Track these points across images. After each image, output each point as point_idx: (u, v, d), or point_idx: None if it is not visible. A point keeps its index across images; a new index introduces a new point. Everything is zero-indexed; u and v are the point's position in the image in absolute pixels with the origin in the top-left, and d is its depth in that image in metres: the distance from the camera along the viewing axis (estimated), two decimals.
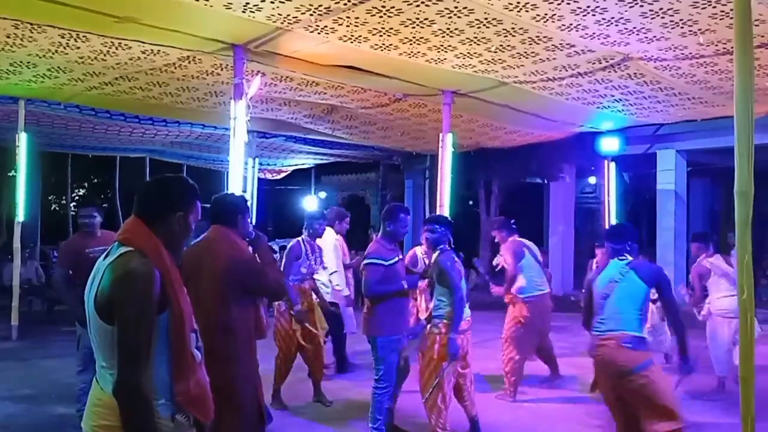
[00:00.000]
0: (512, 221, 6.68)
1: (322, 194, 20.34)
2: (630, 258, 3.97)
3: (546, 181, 14.95)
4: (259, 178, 12.68)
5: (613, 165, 10.76)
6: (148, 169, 16.71)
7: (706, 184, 15.35)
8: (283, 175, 16.80)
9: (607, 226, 9.73)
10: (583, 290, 4.53)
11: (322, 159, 14.90)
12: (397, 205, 5.12)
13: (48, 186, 18.09)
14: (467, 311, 4.63)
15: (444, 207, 7.30)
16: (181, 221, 2.18)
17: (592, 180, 15.65)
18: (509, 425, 5.33)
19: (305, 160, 15.20)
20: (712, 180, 15.17)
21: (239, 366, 3.35)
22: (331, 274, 6.53)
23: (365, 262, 4.73)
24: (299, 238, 5.92)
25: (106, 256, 2.11)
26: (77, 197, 22.47)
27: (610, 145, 10.28)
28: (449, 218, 5.25)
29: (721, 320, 6.03)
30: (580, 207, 15.37)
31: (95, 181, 22.78)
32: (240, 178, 5.78)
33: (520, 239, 6.50)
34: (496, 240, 6.62)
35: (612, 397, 3.89)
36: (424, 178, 14.90)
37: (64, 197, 18.82)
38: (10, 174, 8.77)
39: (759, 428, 2.72)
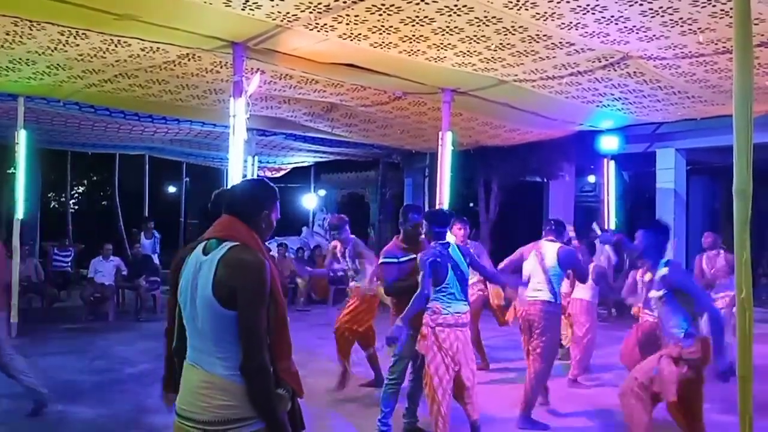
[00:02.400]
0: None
1: (322, 192, 20.32)
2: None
3: (545, 180, 14.92)
4: (258, 176, 12.68)
5: (612, 164, 10.77)
6: (147, 167, 16.69)
7: (706, 183, 15.32)
8: (282, 173, 16.78)
9: (606, 226, 9.74)
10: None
11: (321, 157, 14.89)
12: (409, 205, 5.31)
13: (47, 183, 18.03)
14: (460, 306, 4.60)
15: (443, 205, 7.30)
16: (266, 219, 2.42)
17: (591, 179, 15.61)
18: (508, 421, 5.33)
19: (305, 158, 15.19)
20: (711, 179, 15.14)
21: None
22: None
23: (379, 262, 4.99)
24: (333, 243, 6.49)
25: (206, 252, 2.28)
26: (77, 194, 22.46)
27: (609, 143, 10.29)
28: (448, 211, 5.30)
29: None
30: (579, 205, 15.33)
31: (95, 178, 22.72)
32: (239, 175, 5.78)
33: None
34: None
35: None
36: (424, 177, 14.89)
37: (63, 195, 18.77)
38: (10, 171, 8.74)
39: (757, 427, 2.73)
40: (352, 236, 6.31)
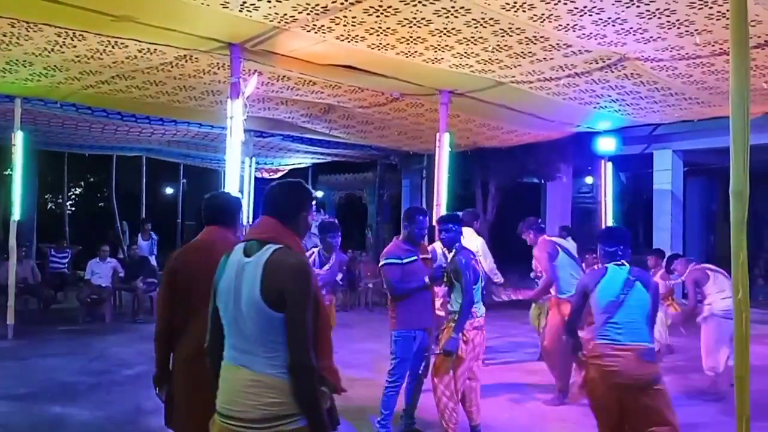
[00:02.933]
0: (539, 220, 6.58)
1: (319, 193, 20.33)
2: (627, 264, 3.87)
3: (543, 181, 14.95)
4: (256, 178, 12.68)
5: (609, 165, 10.77)
6: (144, 168, 16.67)
7: (703, 184, 15.36)
8: (280, 174, 16.77)
9: (603, 227, 9.74)
10: (574, 293, 4.44)
11: (319, 158, 14.89)
12: (416, 207, 5.28)
13: (44, 185, 18.02)
14: (482, 308, 4.70)
15: (441, 207, 7.30)
16: (304, 220, 2.46)
17: (589, 180, 15.66)
18: (505, 425, 5.34)
19: (302, 160, 15.19)
20: (708, 180, 15.19)
21: None
22: None
23: (381, 263, 4.89)
24: (315, 249, 5.99)
25: (248, 254, 2.30)
26: (74, 196, 22.42)
27: (606, 145, 10.29)
28: (458, 215, 5.33)
29: (723, 321, 5.91)
30: (576, 207, 15.37)
31: (92, 180, 22.70)
32: (237, 177, 5.78)
33: (550, 237, 6.46)
34: (527, 243, 6.42)
35: (613, 408, 3.71)
36: (422, 178, 14.91)
37: (60, 196, 18.76)
38: (6, 173, 8.73)
39: (754, 428, 2.73)
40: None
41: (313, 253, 5.93)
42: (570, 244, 7.26)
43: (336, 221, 5.98)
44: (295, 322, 2.20)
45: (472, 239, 6.61)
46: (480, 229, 7.91)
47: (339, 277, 5.96)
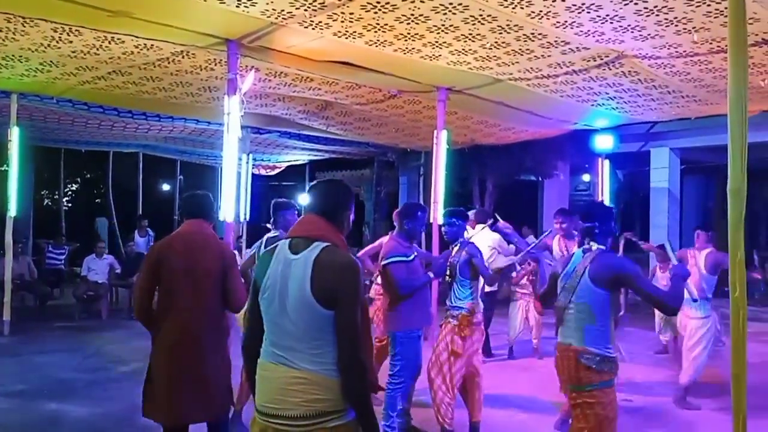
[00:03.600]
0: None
1: None
2: (595, 246, 3.41)
3: (540, 179, 14.96)
4: (253, 174, 12.65)
5: (607, 162, 10.80)
6: (141, 165, 16.63)
7: (700, 182, 15.40)
8: (277, 171, 16.76)
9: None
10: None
11: (316, 155, 14.87)
12: (415, 203, 5.18)
13: (40, 181, 17.96)
14: (480, 305, 4.74)
15: (438, 204, 7.30)
16: (347, 219, 2.50)
17: (586, 177, 15.69)
18: (504, 421, 5.35)
19: (299, 157, 15.17)
20: (705, 178, 15.23)
21: (225, 358, 3.51)
22: None
23: (385, 262, 4.68)
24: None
25: (295, 251, 2.30)
26: (70, 192, 22.35)
27: (604, 142, 10.32)
28: (464, 210, 5.30)
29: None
30: (574, 204, 15.38)
31: (88, 176, 22.61)
32: (234, 173, 5.77)
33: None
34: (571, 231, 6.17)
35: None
36: (419, 175, 14.90)
37: (56, 192, 18.69)
38: (2, 169, 8.72)
39: (751, 425, 2.74)
40: None
41: None
42: None
43: (291, 201, 5.70)
44: (348, 320, 2.22)
45: (487, 236, 6.61)
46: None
47: None
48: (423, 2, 4.58)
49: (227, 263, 3.49)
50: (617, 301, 3.52)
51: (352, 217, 2.55)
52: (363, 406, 2.24)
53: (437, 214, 7.09)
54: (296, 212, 5.37)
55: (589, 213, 3.55)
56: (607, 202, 10.13)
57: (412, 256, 4.73)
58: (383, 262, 4.72)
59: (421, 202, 13.41)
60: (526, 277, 7.27)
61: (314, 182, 2.65)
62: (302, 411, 2.20)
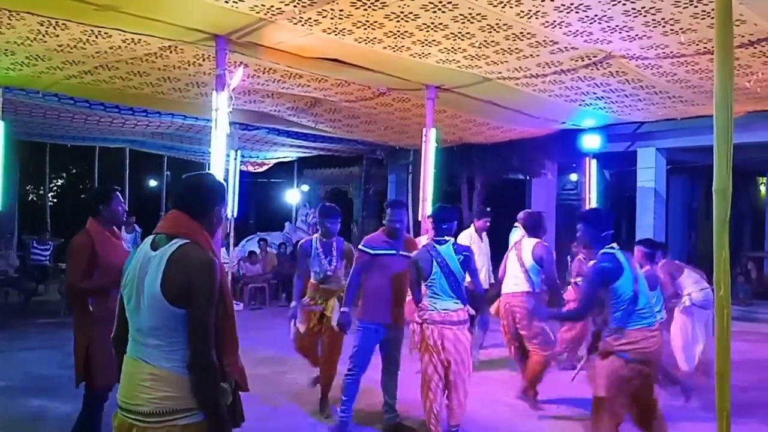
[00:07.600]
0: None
1: (305, 187, 20.26)
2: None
3: (528, 178, 15.01)
4: (241, 171, 12.57)
5: (594, 162, 10.84)
6: (128, 160, 16.50)
7: (685, 182, 15.50)
8: (265, 167, 16.68)
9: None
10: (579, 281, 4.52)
11: (305, 152, 14.82)
12: (392, 200, 5.36)
13: (26, 176, 17.78)
14: (449, 304, 4.58)
15: (427, 202, 7.30)
16: (217, 215, 2.43)
17: (573, 177, 15.73)
18: (487, 419, 5.36)
19: (288, 153, 15.11)
20: (691, 178, 15.33)
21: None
22: None
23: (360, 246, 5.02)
24: (311, 237, 5.63)
25: (154, 247, 2.29)
26: (55, 187, 22.16)
27: (591, 142, 10.36)
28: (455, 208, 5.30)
29: (698, 310, 6.26)
30: (561, 203, 15.44)
31: (74, 171, 22.45)
32: (222, 170, 5.74)
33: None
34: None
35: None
36: (408, 173, 14.90)
37: (42, 187, 18.51)
38: None
39: (734, 423, 2.76)
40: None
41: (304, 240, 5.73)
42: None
43: (336, 206, 5.56)
44: (198, 319, 2.20)
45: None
46: (466, 225, 7.95)
47: (342, 267, 5.49)
48: (413, 0, 4.57)
49: None
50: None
51: (223, 212, 2.47)
52: (210, 405, 2.23)
53: (425, 212, 7.10)
54: (339, 221, 5.51)
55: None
56: (594, 202, 10.19)
57: (381, 251, 4.91)
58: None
59: (410, 200, 13.44)
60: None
61: (184, 176, 2.55)
62: (153, 407, 2.21)
